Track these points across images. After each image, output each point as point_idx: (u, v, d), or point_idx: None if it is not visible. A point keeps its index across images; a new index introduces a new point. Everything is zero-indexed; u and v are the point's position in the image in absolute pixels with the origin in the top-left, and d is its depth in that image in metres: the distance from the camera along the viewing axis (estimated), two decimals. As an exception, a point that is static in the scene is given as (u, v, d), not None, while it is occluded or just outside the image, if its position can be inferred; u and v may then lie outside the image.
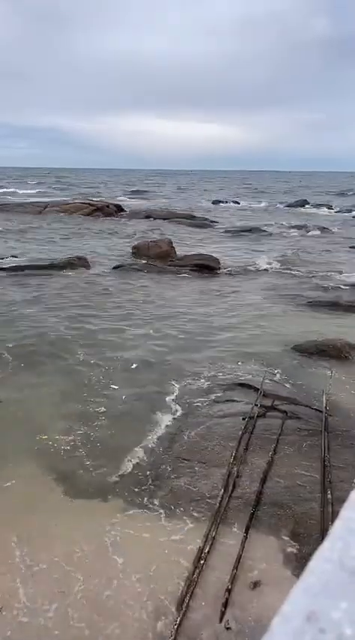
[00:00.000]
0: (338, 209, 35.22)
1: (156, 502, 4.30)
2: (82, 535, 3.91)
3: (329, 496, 4.23)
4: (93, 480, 4.60)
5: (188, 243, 18.40)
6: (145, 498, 4.35)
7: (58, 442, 5.20)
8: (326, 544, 0.49)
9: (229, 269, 14.37)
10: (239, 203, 39.20)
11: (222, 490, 4.35)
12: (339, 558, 0.47)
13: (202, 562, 3.56)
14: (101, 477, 4.65)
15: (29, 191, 46.22)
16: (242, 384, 6.57)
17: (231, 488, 4.41)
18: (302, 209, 35.43)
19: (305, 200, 39.64)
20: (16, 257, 14.81)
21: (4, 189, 45.36)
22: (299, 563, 3.57)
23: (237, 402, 6.09)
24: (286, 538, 3.87)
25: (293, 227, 24.10)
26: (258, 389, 6.30)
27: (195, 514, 4.14)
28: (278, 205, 38.14)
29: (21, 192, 44.54)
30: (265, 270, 14.47)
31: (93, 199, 31.09)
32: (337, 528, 0.51)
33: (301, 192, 52.17)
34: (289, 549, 3.76)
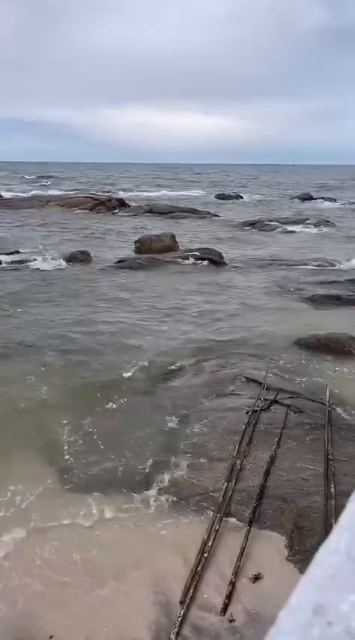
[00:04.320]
0: (342, 202, 35.04)
1: (159, 495, 4.31)
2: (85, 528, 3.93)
3: (333, 489, 4.23)
4: (96, 473, 4.61)
5: (191, 237, 18.35)
6: (148, 491, 4.36)
7: (59, 435, 5.22)
8: (334, 536, 0.48)
9: (232, 263, 14.33)
10: (242, 197, 38.99)
11: (226, 483, 4.35)
12: (347, 550, 0.46)
13: (206, 555, 3.57)
14: (104, 470, 4.66)
15: (30, 185, 46.02)
16: (245, 378, 6.56)
17: (234, 481, 4.42)
18: (306, 202, 35.25)
19: (309, 193, 39.42)
20: (18, 251, 14.80)
21: (6, 185, 45.23)
22: (302, 556, 3.58)
23: (241, 395, 6.09)
24: (289, 531, 3.87)
25: (296, 220, 23.97)
26: (262, 383, 6.30)
27: (199, 507, 4.15)
28: (281, 198, 37.98)
29: (21, 186, 44.34)
30: (269, 263, 14.42)
31: (96, 193, 31.02)
32: (344, 520, 0.50)
33: (305, 185, 51.89)
34: (293, 543, 3.76)
